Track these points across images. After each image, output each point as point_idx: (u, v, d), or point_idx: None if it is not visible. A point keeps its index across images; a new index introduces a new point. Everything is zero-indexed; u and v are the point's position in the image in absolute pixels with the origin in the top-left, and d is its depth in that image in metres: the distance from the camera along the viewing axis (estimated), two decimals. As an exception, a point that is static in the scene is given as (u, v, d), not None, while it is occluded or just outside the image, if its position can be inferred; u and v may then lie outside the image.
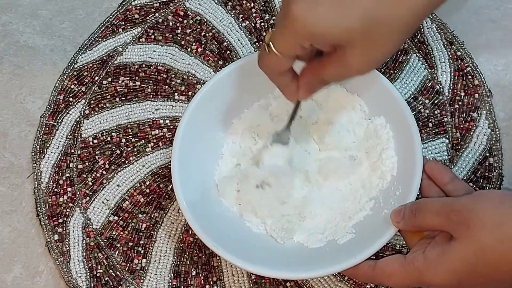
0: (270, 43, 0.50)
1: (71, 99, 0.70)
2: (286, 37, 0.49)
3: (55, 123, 0.69)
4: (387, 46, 0.49)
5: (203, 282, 0.62)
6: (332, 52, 0.50)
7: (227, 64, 0.70)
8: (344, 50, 0.49)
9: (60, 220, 0.65)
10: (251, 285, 0.62)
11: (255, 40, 0.72)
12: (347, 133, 0.62)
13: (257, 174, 0.62)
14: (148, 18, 0.73)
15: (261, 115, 0.65)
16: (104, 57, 0.72)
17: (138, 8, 0.74)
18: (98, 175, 0.67)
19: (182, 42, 0.72)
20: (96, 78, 0.71)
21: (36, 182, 0.66)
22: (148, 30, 0.73)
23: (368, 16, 0.47)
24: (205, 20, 0.73)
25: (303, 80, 0.54)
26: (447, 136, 0.66)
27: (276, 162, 0.61)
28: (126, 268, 0.63)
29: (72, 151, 0.68)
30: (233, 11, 0.73)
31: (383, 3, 0.47)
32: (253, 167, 0.63)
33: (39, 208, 0.65)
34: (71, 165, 0.67)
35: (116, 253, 0.63)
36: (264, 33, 0.72)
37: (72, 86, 0.70)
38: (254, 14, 0.73)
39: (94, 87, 0.70)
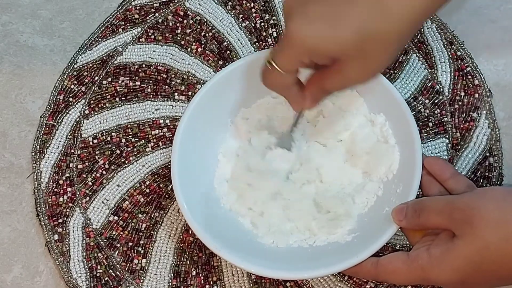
0: (272, 61, 0.52)
1: (71, 99, 0.70)
2: (286, 54, 0.51)
3: (55, 123, 0.69)
4: (382, 57, 0.51)
5: (203, 282, 0.62)
6: (332, 63, 0.51)
7: (227, 64, 0.70)
8: (341, 62, 0.50)
9: (60, 220, 0.65)
10: (251, 285, 0.62)
11: (255, 40, 0.72)
12: (347, 133, 0.63)
13: (256, 174, 0.62)
14: (148, 18, 0.73)
15: (260, 115, 0.65)
16: (104, 57, 0.72)
17: (138, 8, 0.74)
18: (98, 175, 0.67)
19: (182, 42, 0.72)
20: (96, 78, 0.71)
21: (36, 182, 0.66)
22: (148, 30, 0.73)
23: (360, 29, 0.48)
24: (205, 20, 0.73)
25: (307, 91, 0.55)
26: (447, 136, 0.66)
27: (279, 165, 0.62)
28: (126, 268, 0.63)
29: (72, 151, 0.68)
30: (233, 11, 0.73)
31: (374, 16, 0.48)
32: (252, 167, 0.63)
33: (39, 208, 0.65)
34: (71, 165, 0.67)
35: (116, 253, 0.63)
36: (264, 33, 0.72)
37: (72, 86, 0.70)
38: (254, 14, 0.73)
39: (94, 87, 0.70)
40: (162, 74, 0.71)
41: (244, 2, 0.73)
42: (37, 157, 0.67)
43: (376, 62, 0.51)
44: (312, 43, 0.49)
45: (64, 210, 0.65)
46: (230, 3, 0.73)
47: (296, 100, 0.56)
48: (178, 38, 0.72)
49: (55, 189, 0.66)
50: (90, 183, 0.66)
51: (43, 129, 0.69)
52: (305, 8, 0.49)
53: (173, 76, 0.70)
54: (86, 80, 0.71)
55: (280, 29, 0.72)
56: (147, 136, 0.68)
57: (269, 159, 0.62)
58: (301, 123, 0.63)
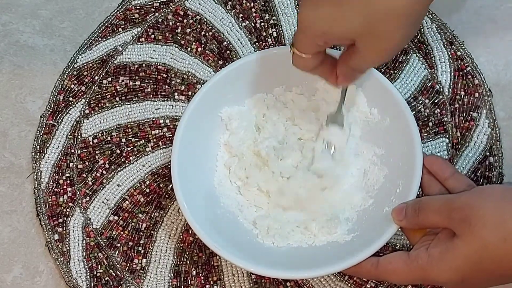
0: (292, 46, 0.54)
1: (71, 98, 0.70)
2: (301, 39, 0.53)
3: (55, 123, 0.69)
4: (395, 34, 0.50)
5: (203, 282, 0.62)
6: (352, 43, 0.52)
7: (227, 64, 0.70)
8: (357, 43, 0.51)
9: (60, 220, 0.65)
10: (251, 284, 0.62)
11: (255, 40, 0.72)
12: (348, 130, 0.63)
13: (255, 173, 0.63)
14: (148, 17, 0.73)
15: (260, 114, 0.65)
16: (104, 57, 0.72)
17: (138, 7, 0.74)
18: (98, 174, 0.67)
19: (182, 42, 0.72)
20: (96, 77, 0.71)
21: (36, 182, 0.66)
22: (148, 29, 0.73)
23: (366, 9, 0.48)
24: (205, 19, 0.73)
25: (339, 70, 0.57)
26: (447, 136, 0.66)
27: (333, 143, 0.62)
28: (126, 268, 0.63)
29: (72, 151, 0.68)
30: (233, 11, 0.73)
31: None
32: (253, 167, 0.63)
33: (39, 208, 0.65)
34: (71, 164, 0.67)
35: (116, 253, 0.63)
36: (264, 33, 0.72)
37: (72, 86, 0.70)
38: (254, 14, 0.73)
39: (94, 87, 0.70)
40: (162, 74, 0.71)
41: (244, 2, 0.73)
42: (37, 157, 0.67)
43: (389, 40, 0.50)
44: (321, 27, 0.50)
45: (64, 210, 0.65)
46: (230, 3, 0.73)
47: (332, 78, 0.57)
48: (178, 37, 0.72)
49: (55, 189, 0.66)
50: (90, 183, 0.66)
51: (43, 129, 0.69)
52: None
53: (173, 75, 0.70)
54: (86, 80, 0.71)
55: (280, 29, 0.72)
56: (147, 136, 0.68)
57: (325, 136, 0.62)
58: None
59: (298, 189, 0.61)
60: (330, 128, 0.62)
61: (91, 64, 0.71)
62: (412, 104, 0.67)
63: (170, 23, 0.73)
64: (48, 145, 0.68)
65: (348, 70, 0.56)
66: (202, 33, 0.72)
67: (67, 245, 0.64)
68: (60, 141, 0.68)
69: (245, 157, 0.63)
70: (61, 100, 0.70)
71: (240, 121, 0.64)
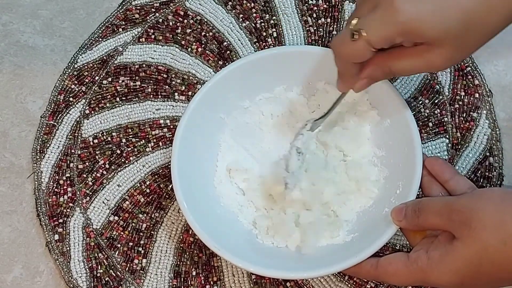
0: (362, 30, 0.48)
1: (71, 99, 0.70)
2: (381, 27, 0.48)
3: (55, 123, 0.69)
4: (473, 48, 0.50)
5: (203, 282, 0.62)
6: (411, 45, 0.50)
7: (227, 64, 0.70)
8: (429, 46, 0.49)
9: (60, 220, 0.65)
10: (252, 285, 0.62)
11: (255, 40, 0.72)
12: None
13: (256, 173, 0.63)
14: (148, 18, 0.73)
15: (260, 114, 0.65)
16: (104, 57, 0.72)
17: (138, 8, 0.74)
18: (98, 175, 0.67)
19: (182, 42, 0.72)
20: (96, 78, 0.71)
21: (36, 182, 0.66)
22: (148, 30, 0.73)
23: (466, 19, 0.47)
24: (205, 20, 0.73)
25: (367, 71, 0.53)
26: (447, 136, 0.66)
27: (310, 148, 0.61)
28: (127, 268, 0.63)
29: (72, 151, 0.68)
30: (233, 11, 0.73)
31: (482, 8, 0.47)
32: (252, 167, 0.63)
33: (39, 208, 0.65)
34: (71, 165, 0.67)
35: (116, 253, 0.63)
36: (264, 33, 0.72)
37: (72, 86, 0.71)
38: (254, 14, 0.73)
39: (94, 87, 0.70)
40: (162, 74, 0.71)
41: (244, 2, 0.73)
42: (38, 157, 0.68)
43: (465, 52, 0.50)
44: (416, 23, 0.47)
45: (65, 210, 0.65)
46: (230, 3, 0.73)
47: (352, 79, 0.54)
48: (179, 38, 0.72)
49: (56, 189, 0.66)
50: (90, 183, 0.66)
51: (43, 129, 0.69)
52: None
53: (173, 76, 0.70)
54: (87, 80, 0.71)
55: (280, 29, 0.72)
56: (147, 136, 0.68)
57: (296, 144, 0.61)
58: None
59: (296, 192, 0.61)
60: (305, 135, 0.61)
61: (91, 64, 0.71)
62: (412, 104, 0.67)
63: (171, 23, 0.73)
64: (48, 145, 0.68)
65: (380, 72, 0.52)
66: (203, 33, 0.72)
67: (67, 246, 0.64)
68: (60, 141, 0.68)
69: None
70: (61, 100, 0.70)
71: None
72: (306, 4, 0.73)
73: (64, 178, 0.67)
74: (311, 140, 0.62)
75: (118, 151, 0.67)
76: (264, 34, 0.72)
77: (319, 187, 0.60)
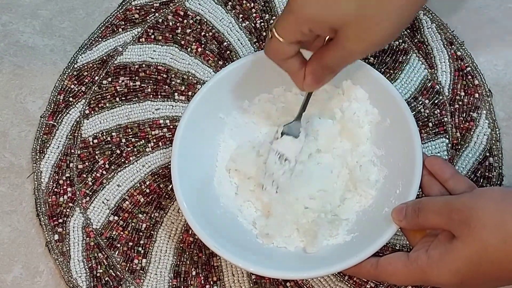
0: (274, 29, 0.52)
1: (71, 99, 0.70)
2: (286, 22, 0.51)
3: (55, 123, 0.69)
4: (384, 28, 0.50)
5: (203, 282, 0.62)
6: (333, 35, 0.51)
7: (227, 64, 0.70)
8: (341, 32, 0.50)
9: (60, 220, 0.65)
10: (251, 285, 0.62)
11: (255, 40, 0.72)
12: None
13: (257, 173, 0.63)
14: (148, 18, 0.73)
15: (260, 114, 0.65)
16: (104, 57, 0.72)
17: (138, 8, 0.74)
18: (98, 175, 0.67)
19: (182, 42, 0.72)
20: (96, 78, 0.71)
21: (36, 182, 0.66)
22: (148, 30, 0.73)
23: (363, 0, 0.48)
24: (205, 20, 0.73)
25: (309, 68, 0.55)
26: (447, 136, 0.66)
27: (286, 155, 0.61)
28: (126, 268, 0.63)
29: (72, 151, 0.68)
30: (233, 11, 0.73)
31: None
32: (253, 167, 0.63)
33: (39, 208, 0.65)
34: (71, 165, 0.67)
35: (116, 253, 0.63)
36: (264, 33, 0.72)
37: (72, 86, 0.70)
38: (254, 14, 0.73)
39: (94, 87, 0.70)
40: (162, 74, 0.71)
41: (244, 2, 0.73)
42: (37, 157, 0.68)
43: (376, 32, 0.50)
44: (313, 12, 0.49)
45: (64, 210, 0.65)
46: (230, 3, 0.73)
47: (298, 77, 0.56)
48: (178, 38, 0.72)
49: (55, 189, 0.66)
50: (90, 183, 0.66)
51: (43, 129, 0.69)
52: None
53: (173, 76, 0.70)
54: (86, 80, 0.71)
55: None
56: (147, 136, 0.68)
57: (276, 147, 0.61)
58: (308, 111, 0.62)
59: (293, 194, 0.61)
60: (283, 139, 0.61)
61: (91, 64, 0.71)
62: (412, 105, 0.67)
63: (170, 23, 0.73)
64: (48, 145, 0.68)
65: (321, 68, 0.54)
66: (202, 33, 0.72)
67: (67, 245, 0.64)
68: (60, 141, 0.68)
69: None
70: (61, 100, 0.70)
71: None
72: (306, 4, 0.72)
73: (64, 178, 0.67)
74: (302, 150, 0.62)
75: (118, 151, 0.67)
76: (264, 34, 0.72)
77: (317, 187, 0.61)
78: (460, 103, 0.67)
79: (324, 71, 0.54)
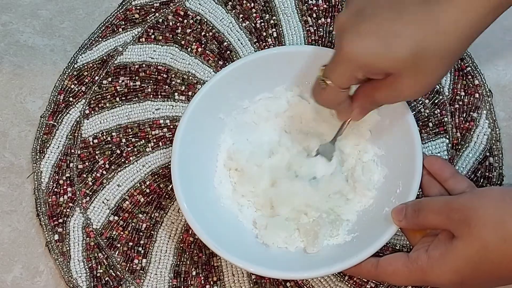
0: (326, 79, 0.52)
1: (71, 99, 0.70)
2: (340, 71, 0.51)
3: (55, 123, 0.69)
4: (436, 73, 0.51)
5: (203, 282, 0.62)
6: (385, 76, 0.51)
7: (227, 64, 0.70)
8: (395, 77, 0.51)
9: (60, 220, 0.65)
10: (251, 285, 0.62)
11: (255, 40, 0.72)
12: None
13: (258, 173, 0.63)
14: (148, 18, 0.73)
15: (260, 114, 0.65)
16: (104, 57, 0.72)
17: (138, 8, 0.74)
18: (98, 175, 0.67)
19: (182, 42, 0.72)
20: (96, 78, 0.71)
21: (36, 182, 0.66)
22: (148, 30, 0.73)
23: (415, 48, 0.48)
24: (205, 20, 0.73)
25: (357, 103, 0.56)
26: (447, 136, 0.66)
27: (315, 174, 0.62)
28: (126, 268, 0.63)
29: (72, 151, 0.68)
30: (233, 11, 0.73)
31: (429, 35, 0.48)
32: (253, 166, 0.63)
33: (39, 208, 0.65)
34: (71, 165, 0.67)
35: (116, 253, 0.63)
36: (264, 33, 0.72)
37: (72, 86, 0.70)
38: (254, 14, 0.73)
39: (94, 87, 0.70)
40: (162, 74, 0.71)
41: (244, 2, 0.73)
42: (37, 157, 0.67)
43: (430, 77, 0.51)
44: (366, 59, 0.49)
45: (64, 210, 0.65)
46: (230, 3, 0.73)
47: (345, 111, 0.57)
48: (178, 38, 0.72)
49: (55, 189, 0.66)
50: (90, 183, 0.66)
51: (43, 129, 0.69)
52: (358, 26, 0.49)
53: (173, 76, 0.70)
54: (86, 80, 0.71)
55: (280, 29, 0.72)
56: (147, 136, 0.68)
57: (308, 165, 0.62)
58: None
59: (295, 195, 0.61)
60: (317, 159, 0.62)
61: (91, 64, 0.71)
62: (412, 104, 0.67)
63: (171, 23, 0.73)
64: (48, 145, 0.68)
65: (368, 103, 0.55)
66: (202, 33, 0.72)
67: (67, 245, 0.64)
68: (60, 141, 0.68)
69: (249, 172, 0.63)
70: (61, 100, 0.70)
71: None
72: (306, 4, 0.73)
73: (64, 178, 0.67)
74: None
75: (118, 151, 0.67)
76: (264, 34, 0.72)
77: (317, 188, 0.61)
78: (460, 103, 0.67)
79: (373, 106, 0.56)
